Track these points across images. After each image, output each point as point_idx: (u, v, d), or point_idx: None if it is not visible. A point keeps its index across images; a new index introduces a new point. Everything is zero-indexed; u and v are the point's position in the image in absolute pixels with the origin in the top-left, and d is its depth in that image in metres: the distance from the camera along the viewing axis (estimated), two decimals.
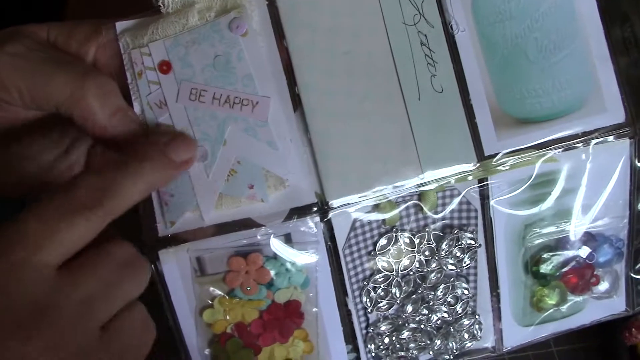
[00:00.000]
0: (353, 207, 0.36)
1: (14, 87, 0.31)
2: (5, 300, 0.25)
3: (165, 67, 0.35)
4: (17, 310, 0.25)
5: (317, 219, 0.36)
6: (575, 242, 0.41)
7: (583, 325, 0.43)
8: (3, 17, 0.55)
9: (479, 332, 0.41)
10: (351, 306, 0.39)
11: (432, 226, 0.39)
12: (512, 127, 0.37)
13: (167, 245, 0.35)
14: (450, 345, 0.41)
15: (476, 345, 0.42)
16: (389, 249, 0.38)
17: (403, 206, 0.38)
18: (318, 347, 0.38)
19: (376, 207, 0.37)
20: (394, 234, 0.38)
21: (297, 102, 0.35)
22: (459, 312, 0.40)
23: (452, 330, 0.41)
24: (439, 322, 0.41)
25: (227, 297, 0.36)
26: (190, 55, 0.34)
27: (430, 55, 0.37)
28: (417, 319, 0.40)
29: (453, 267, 0.39)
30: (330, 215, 0.36)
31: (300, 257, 0.36)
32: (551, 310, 0.42)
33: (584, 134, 0.38)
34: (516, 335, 0.42)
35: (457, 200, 0.38)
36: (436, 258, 0.39)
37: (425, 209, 0.38)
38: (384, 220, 0.38)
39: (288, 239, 0.36)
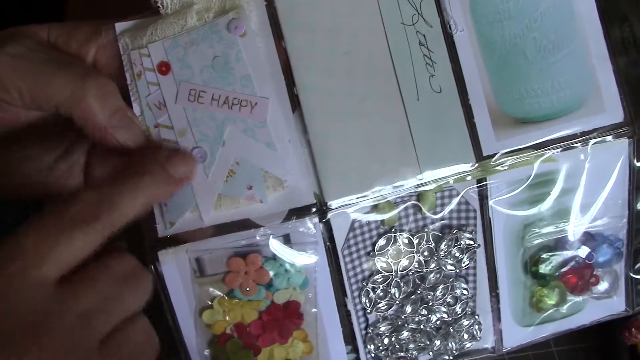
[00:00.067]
0: (352, 207, 0.36)
1: (14, 88, 0.32)
2: (2, 314, 0.25)
3: (164, 68, 0.35)
4: (13, 324, 0.25)
5: (316, 219, 0.36)
6: (574, 242, 0.41)
7: (583, 326, 0.43)
8: (3, 17, 0.55)
9: (479, 332, 0.41)
10: (350, 307, 0.39)
11: (431, 226, 0.39)
12: (511, 127, 0.37)
13: (166, 246, 0.35)
14: (450, 345, 0.41)
15: (476, 345, 0.42)
16: (388, 250, 0.38)
17: (402, 207, 0.38)
18: (317, 347, 0.38)
19: (375, 208, 0.37)
20: (393, 235, 0.38)
21: (295, 102, 0.35)
22: (458, 313, 0.41)
23: (451, 330, 0.41)
24: (438, 322, 0.41)
25: (226, 298, 0.36)
26: (189, 56, 0.34)
27: (429, 55, 0.37)
28: (416, 319, 0.40)
29: (452, 268, 0.39)
30: (329, 215, 0.36)
31: (299, 257, 0.36)
32: (551, 311, 0.42)
33: (583, 133, 0.38)
34: (516, 336, 0.42)
35: (455, 200, 0.38)
36: (435, 258, 0.39)
37: (424, 209, 0.38)
38: (382, 221, 0.38)
39: (287, 240, 0.36)
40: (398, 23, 0.36)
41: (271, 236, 0.35)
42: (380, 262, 0.38)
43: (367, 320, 0.40)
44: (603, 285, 0.43)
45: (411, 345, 0.41)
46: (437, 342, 0.41)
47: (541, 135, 0.37)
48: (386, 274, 0.39)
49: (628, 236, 0.42)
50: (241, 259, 0.36)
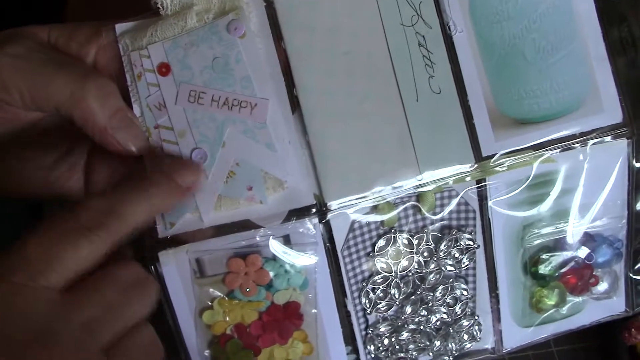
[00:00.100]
0: (351, 208, 0.36)
1: (14, 88, 0.32)
2: (5, 324, 0.26)
3: (164, 69, 0.35)
4: (18, 332, 0.26)
5: (316, 220, 0.36)
6: (573, 243, 0.41)
7: (583, 326, 0.43)
8: (3, 17, 0.55)
9: (479, 333, 0.41)
10: (350, 307, 0.39)
11: (430, 227, 0.39)
12: (510, 127, 0.37)
13: (166, 247, 0.35)
14: (450, 346, 0.41)
15: (476, 346, 0.42)
16: (388, 250, 0.38)
17: (401, 207, 0.38)
18: (317, 348, 0.38)
19: (375, 209, 0.37)
20: (393, 235, 0.38)
21: (295, 103, 0.35)
22: (458, 313, 0.41)
23: (451, 331, 0.41)
24: (438, 323, 0.41)
25: (226, 299, 0.36)
26: (189, 57, 0.34)
27: (428, 56, 0.37)
28: (416, 320, 0.40)
29: (452, 268, 0.40)
30: (329, 216, 0.36)
31: (299, 258, 0.36)
32: (550, 311, 0.42)
33: (582, 134, 0.38)
34: (516, 336, 0.42)
35: (455, 201, 0.38)
36: (435, 259, 0.39)
37: (423, 210, 0.38)
38: (382, 222, 0.38)
39: (287, 241, 0.36)
40: (397, 24, 0.36)
41: (271, 237, 0.35)
42: (380, 263, 0.38)
43: (367, 320, 0.40)
44: (603, 286, 0.43)
45: (411, 346, 0.41)
46: (437, 343, 0.41)
47: (540, 135, 0.38)
48: (386, 274, 0.39)
49: (627, 237, 0.42)
50: (241, 259, 0.36)
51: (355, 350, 0.40)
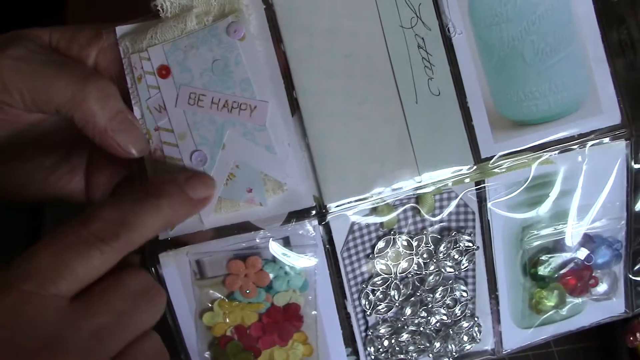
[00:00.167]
0: (351, 210, 0.36)
1: (15, 90, 0.32)
2: (15, 332, 0.26)
3: (164, 71, 0.35)
4: (28, 340, 0.26)
5: (316, 222, 0.36)
6: (573, 244, 0.41)
7: (582, 327, 0.43)
8: (3, 17, 0.55)
9: (478, 334, 0.41)
10: (350, 309, 0.39)
11: (429, 229, 0.39)
12: (509, 129, 0.38)
13: (167, 249, 0.35)
14: (450, 347, 0.41)
15: (475, 347, 0.42)
16: (387, 252, 0.38)
17: (401, 209, 0.38)
18: (317, 350, 0.38)
19: (374, 210, 0.37)
20: (392, 237, 0.38)
21: (294, 106, 0.36)
22: (457, 315, 0.41)
23: (451, 332, 0.41)
24: (437, 324, 0.41)
25: (226, 300, 0.36)
26: (189, 60, 0.35)
27: (428, 58, 0.37)
28: (416, 321, 0.40)
29: (451, 270, 0.40)
30: (329, 218, 0.36)
31: (298, 260, 0.36)
32: (550, 312, 0.42)
33: (580, 135, 0.38)
34: (515, 338, 0.42)
35: (454, 202, 0.38)
36: (434, 260, 0.39)
37: (422, 211, 0.38)
38: (381, 223, 0.38)
39: (287, 243, 0.36)
40: (397, 26, 0.37)
41: (271, 239, 0.35)
42: (379, 265, 0.39)
43: (366, 322, 0.40)
44: (602, 287, 0.43)
45: (411, 348, 0.41)
46: (437, 344, 0.41)
47: (539, 137, 0.38)
48: (385, 276, 0.39)
49: (627, 238, 0.42)
50: (241, 261, 0.36)
51: (355, 352, 0.40)
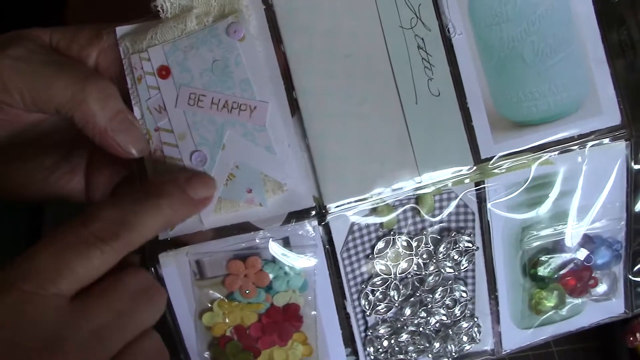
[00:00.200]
0: (351, 210, 0.36)
1: (15, 90, 0.32)
2: (15, 332, 0.26)
3: (164, 72, 0.35)
4: (28, 340, 0.26)
5: (315, 222, 0.36)
6: (572, 245, 0.41)
7: (582, 328, 0.43)
8: (3, 17, 0.55)
9: (478, 335, 0.41)
10: (350, 309, 0.39)
11: (429, 229, 0.39)
12: (509, 130, 0.38)
13: (167, 249, 0.35)
14: (449, 348, 0.41)
15: (475, 348, 0.42)
16: (387, 252, 0.38)
17: (400, 209, 0.38)
18: (317, 350, 0.38)
19: (374, 211, 0.37)
20: (392, 237, 0.38)
21: (294, 106, 0.36)
22: (457, 315, 0.41)
23: (450, 333, 0.41)
24: (437, 325, 0.41)
25: (226, 301, 0.36)
26: (189, 60, 0.35)
27: (427, 58, 0.37)
28: (415, 321, 0.40)
29: (451, 270, 0.40)
30: (328, 218, 0.36)
31: (298, 260, 0.36)
32: (550, 313, 0.42)
33: (580, 136, 0.38)
34: (515, 338, 0.42)
35: (454, 203, 0.38)
36: (434, 261, 0.39)
37: (422, 212, 0.38)
38: (381, 224, 0.38)
39: (286, 243, 0.36)
40: (397, 26, 0.37)
41: (271, 239, 0.35)
42: (379, 265, 0.39)
43: (366, 322, 0.40)
44: (602, 288, 0.43)
45: (410, 348, 0.41)
46: (437, 345, 0.41)
47: (539, 138, 0.38)
48: (385, 276, 0.39)
49: (627, 238, 0.42)
50: (241, 261, 0.36)
51: (354, 352, 0.40)
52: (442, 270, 0.39)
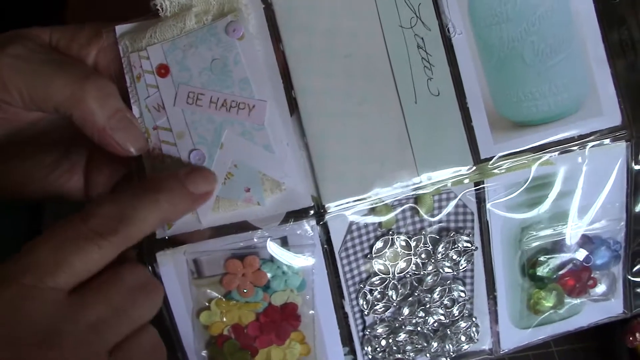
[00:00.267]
0: (349, 210, 0.36)
1: (14, 88, 0.32)
2: (13, 326, 0.26)
3: (163, 70, 0.35)
4: (25, 334, 0.26)
5: (314, 222, 0.36)
6: (572, 245, 0.41)
7: (581, 328, 0.43)
8: (3, 17, 0.55)
9: (476, 334, 0.41)
10: (348, 309, 0.39)
11: (428, 229, 0.39)
12: (509, 130, 0.37)
13: (164, 248, 0.35)
14: (447, 347, 0.41)
15: (473, 347, 0.42)
16: (385, 252, 0.38)
17: (399, 209, 0.38)
18: (315, 349, 0.38)
19: (372, 210, 0.37)
20: (390, 237, 0.38)
21: (293, 105, 0.36)
22: (455, 315, 0.41)
23: (448, 332, 0.41)
24: (435, 324, 0.41)
25: (223, 300, 0.36)
26: (188, 59, 0.35)
27: (427, 58, 0.37)
28: (413, 321, 0.40)
29: (449, 270, 0.40)
30: (327, 218, 0.36)
31: (296, 260, 0.36)
32: (548, 313, 0.42)
33: (580, 137, 0.38)
34: (513, 338, 0.42)
35: (453, 203, 0.38)
36: (432, 261, 0.39)
37: (421, 212, 0.38)
38: (380, 223, 0.38)
39: (284, 242, 0.36)
40: (396, 26, 0.36)
41: (269, 238, 0.35)
42: (377, 265, 0.39)
43: (364, 322, 0.40)
44: (601, 288, 0.43)
45: (408, 347, 0.41)
46: (435, 344, 0.41)
47: (539, 138, 0.38)
48: (383, 276, 0.39)
49: (626, 239, 0.42)
50: (239, 260, 0.36)
51: (352, 352, 0.40)
52: (440, 270, 0.39)
